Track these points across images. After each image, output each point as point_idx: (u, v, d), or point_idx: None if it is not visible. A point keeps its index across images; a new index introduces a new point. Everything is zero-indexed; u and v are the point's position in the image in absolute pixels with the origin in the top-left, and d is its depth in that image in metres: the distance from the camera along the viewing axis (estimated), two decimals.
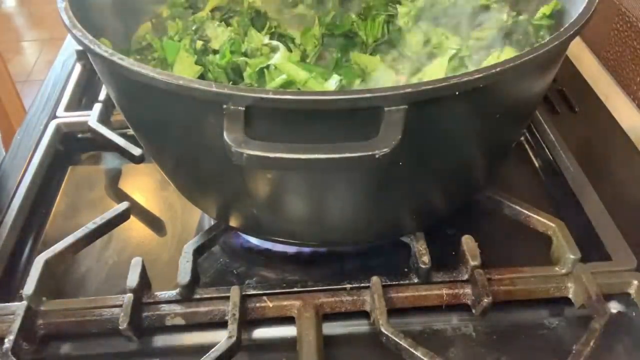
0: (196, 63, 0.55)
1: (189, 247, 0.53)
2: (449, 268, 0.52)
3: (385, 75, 0.53)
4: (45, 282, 0.51)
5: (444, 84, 0.37)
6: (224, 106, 0.37)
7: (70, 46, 0.89)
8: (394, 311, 0.49)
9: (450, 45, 0.54)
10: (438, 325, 0.51)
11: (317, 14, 0.64)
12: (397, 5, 0.61)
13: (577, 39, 0.44)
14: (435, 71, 0.52)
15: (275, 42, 0.58)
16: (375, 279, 0.50)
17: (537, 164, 0.68)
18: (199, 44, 0.58)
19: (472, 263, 0.50)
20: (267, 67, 0.53)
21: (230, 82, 0.54)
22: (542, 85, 0.48)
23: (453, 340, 0.50)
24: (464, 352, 0.49)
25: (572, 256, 0.51)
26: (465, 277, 0.51)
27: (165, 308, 0.50)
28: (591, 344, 0.46)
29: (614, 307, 0.51)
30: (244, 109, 0.37)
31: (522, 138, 0.70)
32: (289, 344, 0.49)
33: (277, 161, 0.36)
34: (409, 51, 0.56)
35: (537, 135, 0.69)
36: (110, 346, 0.50)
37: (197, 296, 0.51)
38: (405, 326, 0.50)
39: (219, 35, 0.60)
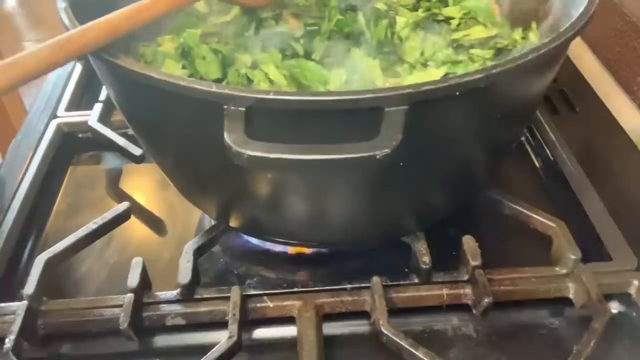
0: (184, 67, 0.55)
1: (189, 247, 0.53)
2: (449, 268, 0.52)
3: (379, 79, 0.53)
4: (45, 282, 0.51)
5: (444, 84, 0.37)
6: (225, 107, 0.37)
7: None
8: (394, 311, 0.49)
9: (443, 54, 0.55)
10: (438, 325, 0.51)
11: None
12: (396, 16, 0.61)
13: (578, 39, 0.44)
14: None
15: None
16: (375, 279, 0.50)
17: (537, 164, 0.68)
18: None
19: (473, 263, 0.50)
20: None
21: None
22: (542, 85, 0.48)
23: (453, 341, 0.50)
24: (465, 352, 0.49)
25: (572, 256, 0.51)
26: (466, 277, 0.51)
27: (166, 308, 0.50)
28: (591, 344, 0.46)
29: (615, 307, 0.51)
30: (244, 109, 0.37)
31: (522, 138, 0.70)
32: (289, 344, 0.49)
33: (278, 162, 0.36)
34: (406, 57, 0.56)
35: (538, 135, 0.69)
36: (111, 346, 0.50)
37: (198, 296, 0.51)
38: (406, 326, 0.50)
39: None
